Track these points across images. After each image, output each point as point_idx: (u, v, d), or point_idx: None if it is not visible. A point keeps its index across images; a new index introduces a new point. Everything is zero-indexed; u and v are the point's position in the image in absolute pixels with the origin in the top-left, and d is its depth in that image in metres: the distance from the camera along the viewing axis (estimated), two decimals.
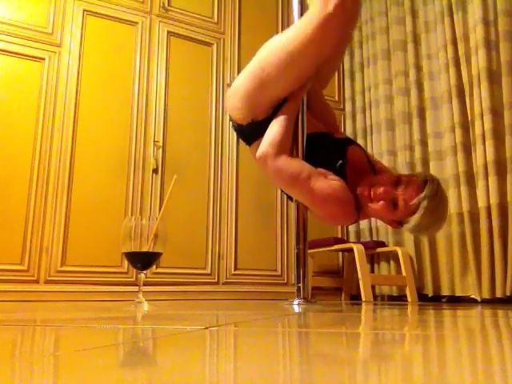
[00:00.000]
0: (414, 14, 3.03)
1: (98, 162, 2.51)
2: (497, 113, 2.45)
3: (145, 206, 2.56)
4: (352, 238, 3.19)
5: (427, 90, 2.87)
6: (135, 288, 1.61)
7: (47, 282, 2.30)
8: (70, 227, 2.38)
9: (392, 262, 2.93)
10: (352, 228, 3.19)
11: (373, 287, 2.66)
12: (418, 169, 2.83)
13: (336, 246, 2.77)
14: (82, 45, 2.58)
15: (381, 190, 1.36)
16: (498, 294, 2.32)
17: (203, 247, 2.68)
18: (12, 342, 0.56)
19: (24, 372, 0.36)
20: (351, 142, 1.59)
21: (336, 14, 1.29)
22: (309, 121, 1.60)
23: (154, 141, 2.65)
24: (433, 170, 2.77)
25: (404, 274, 2.58)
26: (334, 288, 3.04)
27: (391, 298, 2.95)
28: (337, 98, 3.37)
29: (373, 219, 3.00)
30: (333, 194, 1.38)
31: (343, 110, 3.39)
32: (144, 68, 2.72)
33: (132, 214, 2.48)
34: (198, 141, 2.79)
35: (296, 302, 1.62)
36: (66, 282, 2.33)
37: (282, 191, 1.70)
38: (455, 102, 2.63)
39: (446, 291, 2.60)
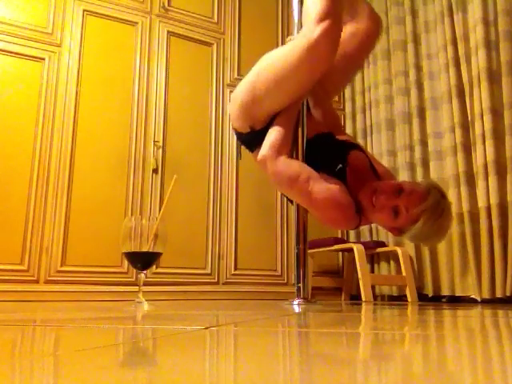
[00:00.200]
0: (414, 14, 3.03)
1: (98, 162, 2.51)
2: (497, 113, 2.44)
3: (145, 206, 2.56)
4: (352, 238, 3.19)
5: (427, 90, 2.87)
6: (135, 288, 1.61)
7: (47, 281, 2.30)
8: (70, 227, 2.38)
9: (392, 262, 2.93)
10: None
11: (373, 287, 2.66)
12: (418, 169, 2.83)
13: (336, 246, 2.77)
14: (82, 45, 2.58)
15: (383, 196, 1.34)
16: (498, 294, 2.32)
17: (203, 247, 2.68)
18: (12, 341, 0.56)
19: (24, 372, 0.36)
20: (354, 146, 1.56)
21: (320, 41, 1.29)
22: (312, 122, 1.59)
23: (154, 141, 2.65)
24: (433, 170, 2.77)
25: (404, 274, 2.58)
26: (334, 288, 3.04)
27: (391, 298, 2.95)
28: (337, 98, 3.37)
29: None
30: (331, 197, 1.36)
31: (343, 110, 3.39)
32: (144, 68, 2.72)
33: (132, 214, 2.48)
34: (197, 141, 2.79)
35: (296, 301, 1.62)
36: (66, 282, 2.33)
37: (282, 193, 1.69)
38: (455, 102, 2.63)
39: (445, 291, 2.60)
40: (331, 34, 1.29)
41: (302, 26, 1.77)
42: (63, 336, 0.63)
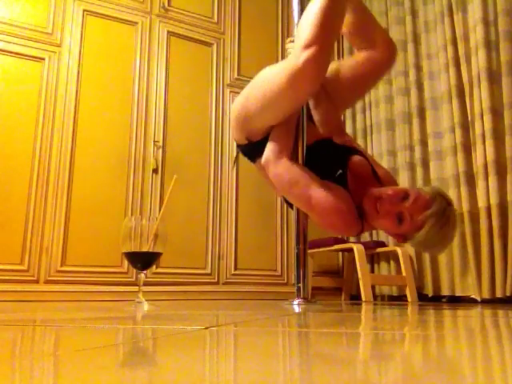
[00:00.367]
0: (414, 14, 3.03)
1: (98, 162, 2.51)
2: (497, 113, 2.44)
3: (145, 206, 2.56)
4: (352, 238, 3.19)
5: (427, 90, 2.87)
6: (135, 288, 1.61)
7: (47, 282, 2.30)
8: (70, 227, 2.38)
9: (392, 262, 2.93)
10: None
11: (373, 287, 2.66)
12: (418, 169, 2.83)
13: (336, 246, 2.77)
14: (82, 45, 2.58)
15: (387, 202, 1.32)
16: (498, 294, 2.31)
17: (203, 247, 2.68)
18: (12, 341, 0.56)
19: (24, 372, 0.36)
20: (354, 150, 1.54)
21: (304, 68, 1.28)
22: (311, 129, 1.59)
23: (154, 141, 2.65)
24: (433, 170, 2.76)
25: (404, 274, 2.58)
26: (334, 288, 3.04)
27: (391, 298, 2.95)
28: None
29: None
30: (330, 203, 1.34)
31: None
32: (144, 68, 2.72)
33: (132, 214, 2.48)
34: (197, 141, 2.79)
35: (296, 302, 1.62)
36: (66, 282, 2.33)
37: (283, 198, 1.68)
38: (455, 102, 2.63)
39: (445, 291, 2.60)
40: (315, 61, 1.28)
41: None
42: (63, 336, 0.63)
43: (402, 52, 3.05)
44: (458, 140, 2.59)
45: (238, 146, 1.59)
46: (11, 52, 2.42)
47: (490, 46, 2.51)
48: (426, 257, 2.71)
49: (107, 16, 2.67)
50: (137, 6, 2.77)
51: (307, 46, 1.28)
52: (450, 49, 2.69)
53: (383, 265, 3.01)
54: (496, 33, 2.52)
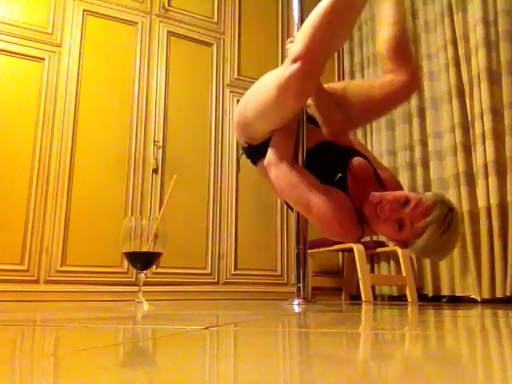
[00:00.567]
0: (414, 14, 3.03)
1: (98, 162, 2.51)
2: (497, 113, 2.44)
3: (145, 206, 2.56)
4: None
5: (427, 90, 2.87)
6: (135, 288, 1.61)
7: (47, 282, 2.30)
8: (70, 227, 2.38)
9: (392, 262, 2.93)
10: None
11: (373, 287, 2.66)
12: (418, 169, 2.83)
13: (336, 246, 2.77)
14: (82, 45, 2.58)
15: (387, 208, 1.30)
16: (498, 294, 2.31)
17: (203, 247, 2.68)
18: (12, 341, 0.56)
19: (24, 372, 0.36)
20: (356, 152, 1.51)
21: (290, 82, 1.28)
22: (312, 132, 1.59)
23: (154, 141, 2.65)
24: (433, 170, 2.76)
25: (404, 274, 2.58)
26: (334, 288, 3.04)
27: (391, 298, 2.95)
28: None
29: None
30: (329, 209, 1.32)
31: None
32: (144, 68, 2.72)
33: (132, 214, 2.48)
34: (197, 141, 2.79)
35: (296, 302, 1.62)
36: (66, 282, 2.33)
37: (283, 201, 1.68)
38: (455, 102, 2.62)
39: (445, 291, 2.60)
40: (298, 78, 1.27)
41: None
42: (63, 336, 0.63)
43: None
44: (458, 140, 2.59)
45: (242, 147, 1.61)
46: (11, 52, 2.42)
47: (490, 46, 2.51)
48: None
49: (107, 16, 2.67)
50: (137, 6, 2.77)
51: (294, 60, 1.28)
52: (449, 49, 2.69)
53: (383, 265, 3.01)
54: (496, 33, 2.52)
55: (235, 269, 2.74)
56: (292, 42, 1.74)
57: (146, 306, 1.42)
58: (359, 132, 3.29)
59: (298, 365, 0.40)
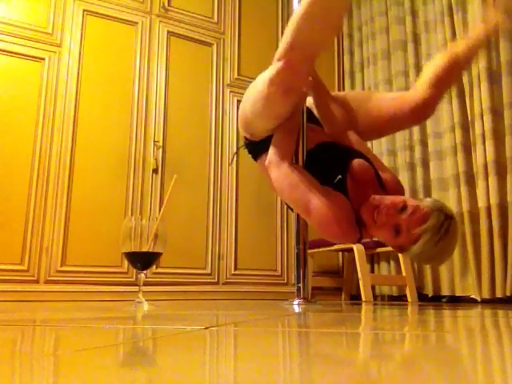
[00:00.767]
0: (414, 14, 3.03)
1: (98, 162, 2.51)
2: (497, 113, 2.44)
3: (145, 206, 2.56)
4: None
5: None
6: (135, 288, 1.61)
7: (47, 281, 2.30)
8: (70, 227, 2.38)
9: (392, 262, 2.93)
10: None
11: (373, 287, 2.66)
12: (418, 169, 2.82)
13: (336, 246, 2.76)
14: (82, 45, 2.58)
15: (384, 213, 1.29)
16: (498, 294, 2.31)
17: (203, 247, 2.68)
18: (12, 341, 0.56)
19: (24, 372, 0.36)
20: (357, 154, 1.49)
21: (272, 82, 1.29)
22: (313, 132, 1.58)
23: (154, 141, 2.65)
24: (433, 170, 2.76)
25: (404, 274, 2.58)
26: (334, 288, 3.04)
27: (391, 298, 2.95)
28: None
29: None
30: (327, 211, 1.31)
31: None
32: (144, 68, 2.72)
33: (132, 214, 2.48)
34: (197, 141, 2.79)
35: (296, 302, 1.62)
36: (66, 282, 2.33)
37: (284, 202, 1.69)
38: (455, 101, 2.63)
39: (445, 291, 2.60)
40: (282, 76, 1.28)
41: None
42: (63, 336, 0.63)
43: (402, 52, 3.05)
44: (458, 140, 2.59)
45: (244, 142, 1.63)
46: (11, 52, 2.42)
47: (490, 46, 2.51)
48: None
49: (107, 16, 2.67)
50: (137, 6, 2.77)
51: (278, 60, 1.29)
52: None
53: (383, 265, 3.01)
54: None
55: (235, 269, 2.74)
56: None
57: (145, 306, 1.42)
58: None
59: (298, 365, 0.40)
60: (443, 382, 0.31)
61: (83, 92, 2.54)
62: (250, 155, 1.64)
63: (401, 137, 2.97)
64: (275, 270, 2.86)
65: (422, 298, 2.67)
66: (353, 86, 3.40)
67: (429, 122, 2.83)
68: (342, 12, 1.29)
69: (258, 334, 0.67)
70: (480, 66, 2.49)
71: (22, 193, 2.31)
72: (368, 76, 3.30)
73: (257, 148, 1.57)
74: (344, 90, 3.42)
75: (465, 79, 2.62)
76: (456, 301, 2.55)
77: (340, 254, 3.13)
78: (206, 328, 0.71)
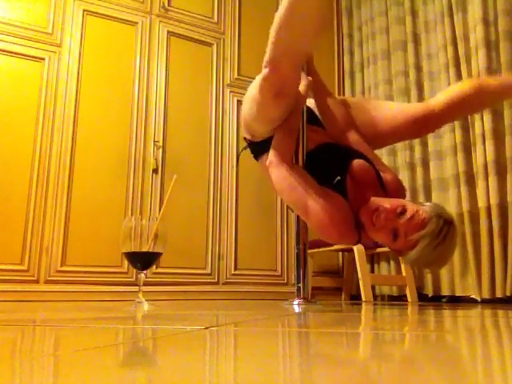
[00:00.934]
0: (414, 14, 3.03)
1: (98, 162, 2.50)
2: (497, 113, 2.44)
3: (145, 206, 2.56)
4: None
5: (427, 90, 2.87)
6: (135, 288, 1.61)
7: (47, 281, 2.30)
8: (69, 227, 2.38)
9: (392, 262, 2.93)
10: None
11: (373, 287, 2.66)
12: (418, 169, 2.82)
13: (336, 246, 2.76)
14: (82, 45, 2.58)
15: (383, 217, 1.28)
16: (498, 294, 2.31)
17: (203, 247, 2.68)
18: (12, 341, 0.56)
19: (24, 372, 0.36)
20: (357, 154, 1.47)
21: (261, 87, 1.32)
22: (313, 132, 1.58)
23: (154, 141, 2.65)
24: (433, 170, 2.76)
25: (404, 274, 2.58)
26: (334, 288, 3.04)
27: (391, 298, 2.95)
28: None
29: None
30: (325, 213, 1.31)
31: None
32: (144, 68, 2.72)
33: (132, 214, 2.48)
34: (197, 141, 2.79)
35: (296, 302, 1.62)
36: (66, 282, 2.33)
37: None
38: None
39: (446, 291, 2.60)
40: (269, 81, 1.30)
41: None
42: (63, 336, 0.63)
43: (402, 52, 3.05)
44: (458, 140, 2.59)
45: (249, 144, 1.64)
46: (11, 52, 2.42)
47: (490, 46, 2.51)
48: None
49: (107, 16, 2.67)
50: (137, 6, 2.77)
51: (264, 66, 1.31)
52: (449, 49, 2.69)
53: (383, 265, 3.01)
54: (496, 33, 2.52)
55: (235, 269, 2.74)
56: None
57: (145, 306, 1.42)
58: None
59: (298, 365, 0.40)
60: (443, 382, 0.31)
61: (83, 92, 2.54)
62: (252, 155, 1.65)
63: None
64: (275, 270, 2.86)
65: (422, 298, 2.67)
66: (353, 86, 3.40)
67: None
68: (319, 17, 1.26)
69: (258, 334, 0.67)
70: (480, 65, 2.49)
71: (22, 193, 2.31)
72: (368, 76, 3.29)
73: (258, 148, 1.57)
74: (344, 90, 3.43)
75: (465, 79, 2.62)
76: (456, 301, 2.55)
77: (340, 253, 3.13)
78: (206, 328, 0.71)
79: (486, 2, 2.56)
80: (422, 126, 1.56)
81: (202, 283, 2.63)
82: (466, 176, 2.53)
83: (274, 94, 1.32)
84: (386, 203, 1.30)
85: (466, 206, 2.51)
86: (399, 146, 2.98)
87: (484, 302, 2.37)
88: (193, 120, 2.80)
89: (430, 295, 2.68)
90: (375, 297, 2.85)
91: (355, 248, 2.54)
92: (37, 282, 2.28)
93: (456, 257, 2.54)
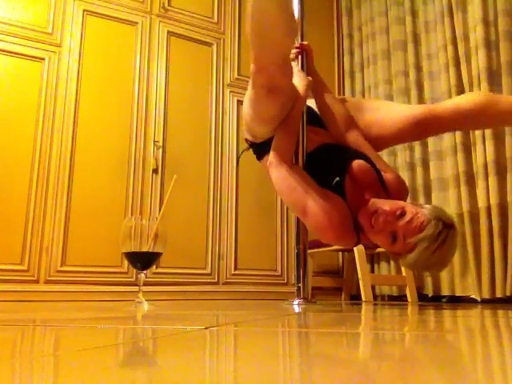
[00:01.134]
0: (414, 14, 3.03)
1: (98, 162, 2.50)
2: None
3: (145, 206, 2.56)
4: None
5: (427, 90, 2.87)
6: (135, 288, 1.61)
7: (47, 281, 2.30)
8: (69, 227, 2.38)
9: (392, 262, 2.93)
10: None
11: (373, 287, 2.66)
12: (418, 169, 2.82)
13: (336, 246, 2.76)
14: (82, 45, 2.58)
15: (381, 219, 1.26)
16: (498, 294, 2.31)
17: (203, 247, 2.68)
18: (12, 341, 0.56)
19: (24, 372, 0.36)
20: (357, 155, 1.46)
21: (252, 88, 1.34)
22: (313, 133, 1.58)
23: (154, 141, 2.65)
24: (433, 170, 2.76)
25: (404, 274, 2.58)
26: (334, 288, 3.04)
27: (391, 298, 2.95)
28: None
29: None
30: (323, 215, 1.30)
31: None
32: (144, 68, 2.72)
33: (132, 214, 2.48)
34: (197, 141, 2.79)
35: (296, 302, 1.62)
36: (66, 282, 2.33)
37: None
38: None
39: (446, 291, 2.60)
40: (259, 79, 1.30)
41: (301, 28, 1.79)
42: (63, 336, 0.63)
43: (402, 52, 3.05)
44: (458, 140, 2.59)
45: (250, 144, 1.65)
46: (11, 52, 2.42)
47: (490, 46, 2.51)
48: None
49: (107, 16, 2.67)
50: (137, 6, 2.77)
51: (251, 63, 1.31)
52: (449, 49, 2.69)
53: (383, 265, 3.01)
54: (496, 33, 2.52)
55: (235, 269, 2.74)
56: None
57: (145, 306, 1.42)
58: None
59: (298, 365, 0.40)
60: (443, 382, 0.31)
61: (83, 92, 2.54)
62: (254, 156, 1.65)
63: None
64: (275, 270, 2.86)
65: (422, 298, 2.67)
66: (353, 86, 3.40)
67: None
68: (282, 18, 1.20)
69: (258, 333, 0.67)
70: (480, 66, 2.49)
71: (22, 193, 2.31)
72: (368, 76, 3.29)
73: (260, 149, 1.57)
74: (344, 90, 3.43)
75: (465, 79, 2.62)
76: (456, 301, 2.55)
77: (340, 254, 3.13)
78: (206, 328, 0.71)
79: (485, 2, 2.56)
80: (423, 130, 1.55)
81: (202, 283, 2.63)
82: (466, 176, 2.53)
83: (267, 90, 1.32)
84: (386, 205, 1.29)
85: (465, 206, 2.51)
86: (399, 146, 2.98)
87: (484, 301, 2.37)
88: (193, 120, 2.80)
89: (430, 295, 2.68)
90: (375, 297, 2.85)
91: (355, 248, 2.54)
92: (37, 282, 2.28)
93: (456, 257, 2.54)
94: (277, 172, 1.40)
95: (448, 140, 2.66)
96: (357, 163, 1.41)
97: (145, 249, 1.44)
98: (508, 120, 1.53)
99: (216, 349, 0.53)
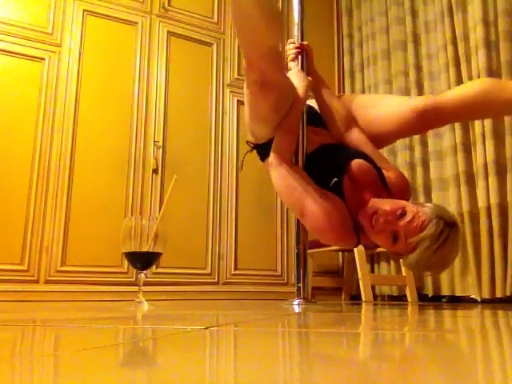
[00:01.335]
0: (414, 14, 3.03)
1: (98, 162, 2.50)
2: None
3: (145, 206, 2.56)
4: None
5: (427, 90, 2.87)
6: (135, 288, 1.61)
7: (47, 281, 2.30)
8: (69, 227, 2.38)
9: (392, 262, 2.92)
10: None
11: (373, 287, 2.66)
12: (418, 169, 2.82)
13: (336, 246, 2.76)
14: (82, 45, 2.58)
15: (382, 219, 1.25)
16: (498, 294, 2.31)
17: (203, 247, 2.68)
18: (12, 341, 0.56)
19: (24, 372, 0.36)
20: (357, 154, 1.44)
21: (247, 79, 1.36)
22: (313, 134, 1.58)
23: (154, 141, 2.65)
24: (433, 170, 2.76)
25: (404, 274, 2.58)
26: (334, 288, 3.04)
27: (391, 298, 2.95)
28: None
29: None
30: (322, 216, 1.30)
31: None
32: (144, 68, 2.72)
33: (132, 214, 2.48)
34: (197, 141, 2.79)
35: (296, 302, 1.62)
36: (66, 282, 2.33)
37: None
38: None
39: (446, 291, 2.60)
40: (252, 75, 1.33)
41: (301, 28, 1.79)
42: (63, 336, 0.63)
43: (402, 52, 3.05)
44: (457, 140, 2.59)
45: (252, 146, 1.65)
46: (11, 52, 2.42)
47: (490, 45, 2.51)
48: None
49: (107, 16, 2.67)
50: (137, 6, 2.77)
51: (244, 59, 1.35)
52: (449, 49, 2.69)
53: (383, 265, 3.01)
54: (496, 33, 2.52)
55: (235, 269, 2.74)
56: (292, 42, 1.74)
57: (145, 306, 1.42)
58: None
59: (298, 365, 0.40)
60: (443, 382, 0.31)
61: (83, 92, 2.54)
62: (256, 156, 1.65)
63: None
64: (275, 270, 2.86)
65: (422, 298, 2.67)
66: (353, 86, 3.40)
67: None
68: (262, 14, 1.20)
69: (257, 333, 0.67)
70: (480, 66, 2.49)
71: (22, 193, 2.31)
72: (368, 76, 3.29)
73: (262, 150, 1.57)
74: (344, 90, 3.43)
75: (465, 79, 2.62)
76: (456, 301, 2.55)
77: (340, 254, 3.13)
78: (206, 328, 0.71)
79: (485, 2, 2.56)
80: (425, 123, 1.53)
81: (202, 283, 2.63)
82: (466, 176, 2.53)
83: (260, 85, 1.33)
84: (386, 205, 1.28)
85: (465, 206, 2.51)
86: (399, 145, 2.98)
87: (484, 301, 2.37)
88: (193, 120, 2.80)
89: (430, 295, 2.68)
90: (375, 297, 2.85)
91: (355, 248, 2.54)
92: (37, 282, 2.28)
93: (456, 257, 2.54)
94: (277, 172, 1.40)
95: (448, 140, 2.66)
96: (356, 163, 1.39)
97: (145, 249, 1.44)
98: (508, 110, 1.52)
99: (216, 349, 0.53)
